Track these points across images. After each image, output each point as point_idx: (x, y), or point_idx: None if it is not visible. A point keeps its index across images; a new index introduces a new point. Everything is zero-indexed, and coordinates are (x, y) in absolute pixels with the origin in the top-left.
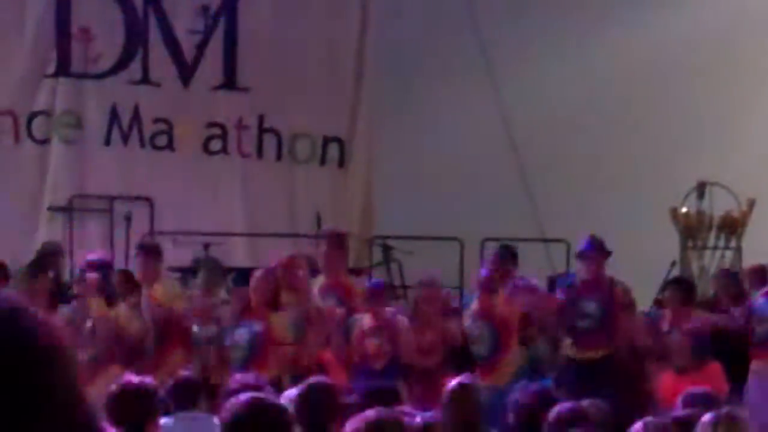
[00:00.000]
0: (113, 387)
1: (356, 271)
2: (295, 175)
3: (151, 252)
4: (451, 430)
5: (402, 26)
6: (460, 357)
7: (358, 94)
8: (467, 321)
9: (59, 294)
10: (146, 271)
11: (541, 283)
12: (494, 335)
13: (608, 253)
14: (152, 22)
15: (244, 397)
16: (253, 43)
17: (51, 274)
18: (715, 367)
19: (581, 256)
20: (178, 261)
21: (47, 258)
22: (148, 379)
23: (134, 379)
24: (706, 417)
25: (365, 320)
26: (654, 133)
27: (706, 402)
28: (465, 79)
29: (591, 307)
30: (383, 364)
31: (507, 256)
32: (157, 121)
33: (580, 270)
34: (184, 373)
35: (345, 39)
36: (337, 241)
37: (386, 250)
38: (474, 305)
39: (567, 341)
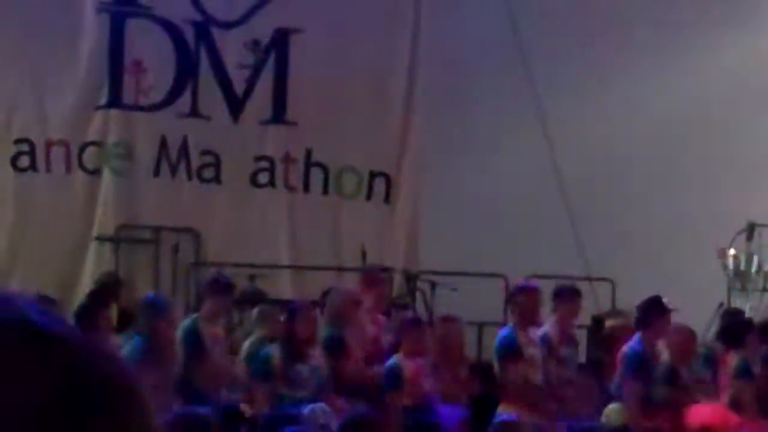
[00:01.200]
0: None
1: (399, 306)
2: (341, 209)
3: (227, 289)
4: None
5: (451, 63)
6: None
7: (406, 130)
8: None
9: (125, 323)
10: (219, 308)
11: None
12: None
13: None
14: (203, 55)
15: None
16: (302, 78)
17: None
18: None
19: None
20: None
21: (108, 289)
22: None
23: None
24: None
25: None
26: (704, 174)
27: None
28: (513, 116)
29: None
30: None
31: None
32: (205, 153)
33: None
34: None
35: (394, 75)
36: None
37: (431, 286)
38: None
39: None
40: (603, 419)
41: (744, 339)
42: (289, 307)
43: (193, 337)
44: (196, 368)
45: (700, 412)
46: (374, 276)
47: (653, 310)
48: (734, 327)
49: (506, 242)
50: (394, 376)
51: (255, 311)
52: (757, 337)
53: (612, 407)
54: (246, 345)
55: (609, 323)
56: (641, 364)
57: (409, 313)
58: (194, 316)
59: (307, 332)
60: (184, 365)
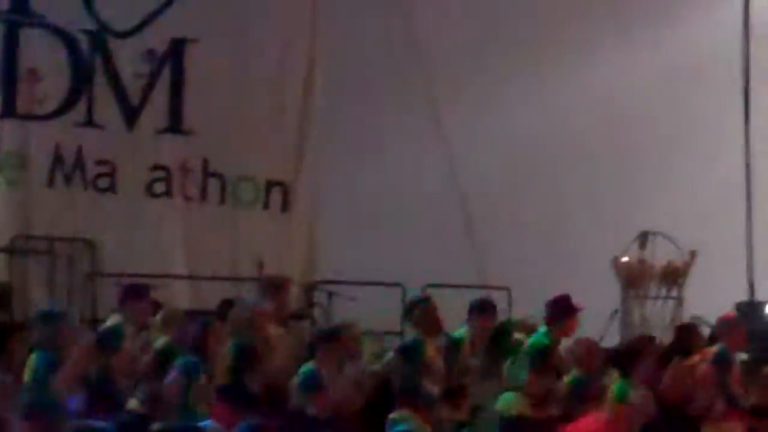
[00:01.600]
0: None
1: (298, 316)
2: (238, 219)
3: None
4: None
5: (348, 70)
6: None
7: (303, 139)
8: None
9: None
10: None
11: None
12: None
13: None
14: (98, 64)
15: None
16: (198, 87)
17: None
18: None
19: None
20: None
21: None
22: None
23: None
24: None
25: None
26: (598, 182)
27: None
28: (411, 125)
29: None
30: None
31: None
32: (100, 163)
33: None
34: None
35: (291, 83)
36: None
37: (329, 296)
38: None
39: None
40: (498, 407)
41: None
42: (199, 322)
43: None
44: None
45: (580, 422)
46: (276, 285)
47: (563, 308)
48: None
49: (403, 251)
50: (312, 382)
51: (158, 317)
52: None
53: (506, 396)
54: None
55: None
56: (545, 357)
57: (308, 324)
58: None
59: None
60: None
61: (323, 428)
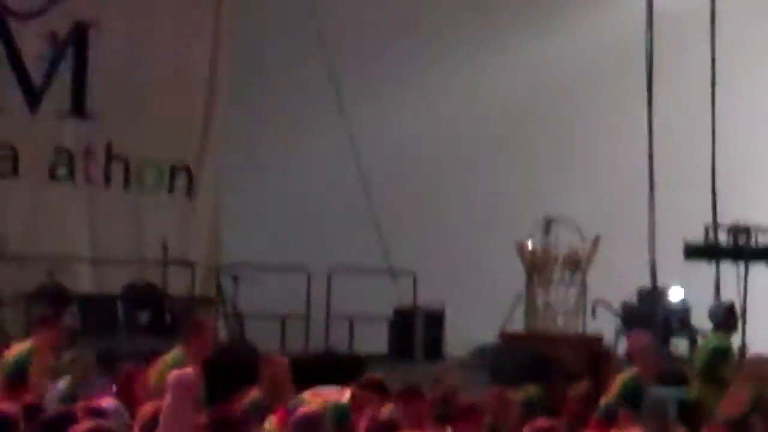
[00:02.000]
0: None
1: (203, 301)
2: (142, 203)
3: None
4: None
5: (253, 56)
6: None
7: (207, 124)
8: None
9: None
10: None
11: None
12: None
13: None
14: None
15: (86, 424)
16: (102, 71)
17: None
18: None
19: None
20: (21, 287)
21: None
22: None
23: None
24: None
25: None
26: (503, 169)
27: None
28: (315, 110)
29: None
30: None
31: None
32: (1, 146)
33: None
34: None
35: (195, 69)
36: None
37: (234, 280)
38: None
39: None
40: None
41: None
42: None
43: None
44: None
45: None
46: None
47: None
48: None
49: (308, 236)
50: None
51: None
52: None
53: None
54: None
55: None
56: None
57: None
58: None
59: None
60: None
61: None
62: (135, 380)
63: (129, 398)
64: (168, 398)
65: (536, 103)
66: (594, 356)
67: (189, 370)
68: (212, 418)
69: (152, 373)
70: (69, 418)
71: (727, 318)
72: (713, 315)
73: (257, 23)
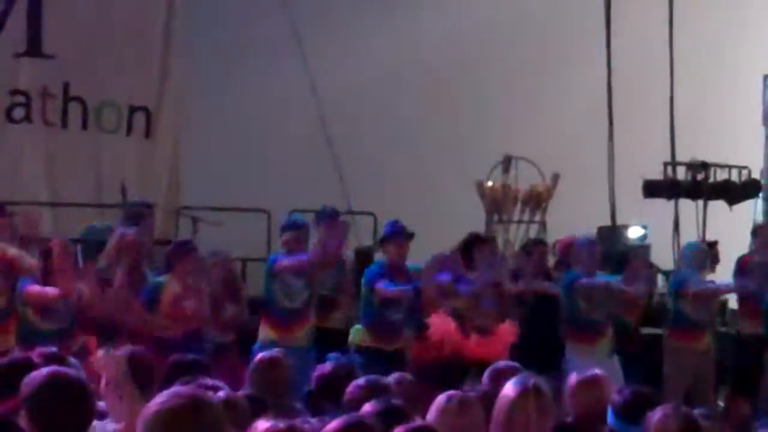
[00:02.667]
0: None
1: (162, 243)
2: (101, 145)
3: None
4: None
5: None
6: None
7: (166, 64)
8: None
9: None
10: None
11: (349, 256)
12: None
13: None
14: None
15: (45, 370)
16: (58, 9)
17: None
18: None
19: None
20: None
21: None
22: None
23: None
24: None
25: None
26: (461, 107)
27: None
28: (273, 50)
29: None
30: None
31: None
32: None
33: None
34: None
35: (153, 7)
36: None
37: (193, 222)
38: None
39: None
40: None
41: None
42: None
43: None
44: None
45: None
46: (139, 212)
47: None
48: None
49: (269, 177)
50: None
51: None
52: None
53: (356, 327)
54: None
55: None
56: None
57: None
58: None
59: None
60: None
61: None
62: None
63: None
64: None
65: (494, 41)
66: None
67: None
68: None
69: None
70: (26, 365)
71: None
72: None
73: None
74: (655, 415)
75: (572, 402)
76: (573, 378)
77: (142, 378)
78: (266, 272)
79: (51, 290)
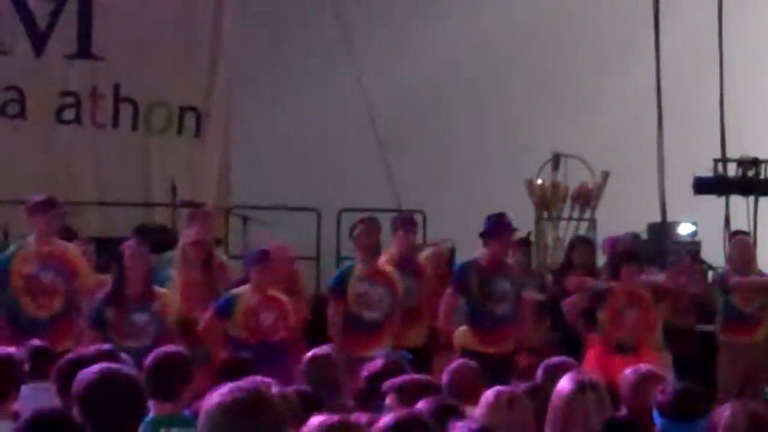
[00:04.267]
0: None
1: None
2: (151, 145)
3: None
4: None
5: None
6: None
7: (216, 64)
8: None
9: None
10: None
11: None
12: None
13: None
14: None
15: (96, 367)
16: (108, 11)
17: None
18: None
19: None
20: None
21: None
22: (12, 349)
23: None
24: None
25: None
26: (511, 106)
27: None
28: (324, 50)
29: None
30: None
31: None
32: (8, 89)
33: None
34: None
35: (201, 6)
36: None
37: (244, 221)
38: None
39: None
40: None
41: None
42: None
43: None
44: None
45: None
46: (201, 213)
47: (498, 225)
48: None
49: (319, 176)
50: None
51: None
52: None
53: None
54: None
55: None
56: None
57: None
58: None
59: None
60: None
61: None
62: None
63: None
64: None
65: (543, 38)
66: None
67: None
68: None
69: None
70: (83, 361)
71: None
72: None
73: None
74: (723, 412)
75: (628, 396)
76: (629, 372)
77: None
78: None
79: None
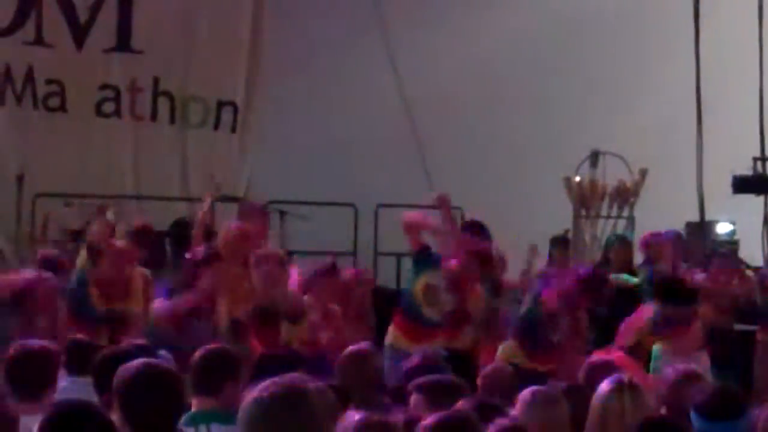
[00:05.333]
0: (12, 350)
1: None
2: (187, 139)
3: None
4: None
5: None
6: None
7: (255, 59)
8: None
9: None
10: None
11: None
12: None
13: None
14: None
15: (137, 362)
16: (147, 5)
17: None
18: None
19: None
20: (69, 224)
21: None
22: (48, 342)
23: (35, 342)
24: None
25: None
26: (549, 103)
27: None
28: (361, 46)
29: None
30: None
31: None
32: (50, 82)
33: None
34: (79, 336)
35: (243, 3)
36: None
37: (281, 215)
38: None
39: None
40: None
41: None
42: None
43: None
44: None
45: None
46: (255, 209)
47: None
48: None
49: (356, 171)
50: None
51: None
52: None
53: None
54: None
55: None
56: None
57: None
58: None
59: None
60: None
61: None
62: None
63: None
64: None
65: (582, 35)
66: None
67: None
68: None
69: None
70: (120, 356)
71: None
72: None
73: None
74: (762, 413)
75: (667, 395)
76: (669, 371)
77: None
78: None
79: None
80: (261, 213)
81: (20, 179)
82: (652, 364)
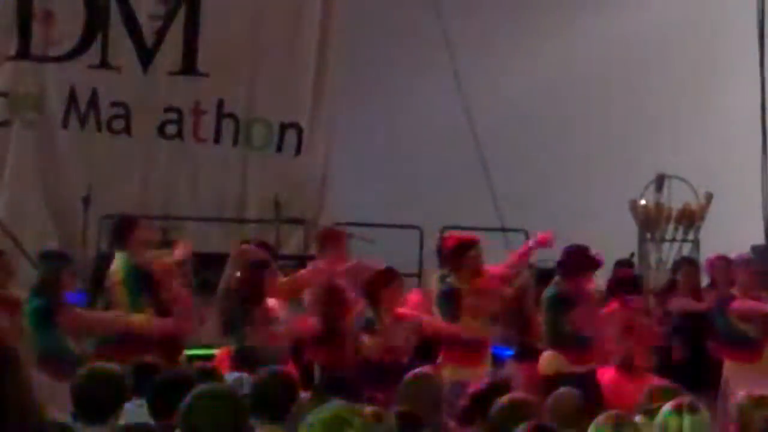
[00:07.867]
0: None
1: (311, 258)
2: (248, 161)
3: None
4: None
5: (365, 15)
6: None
7: (320, 81)
8: None
9: None
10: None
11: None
12: None
13: None
14: (113, 6)
15: (199, 387)
16: (213, 29)
17: None
18: None
19: None
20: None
21: None
22: (115, 365)
23: (104, 364)
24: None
25: None
26: (614, 126)
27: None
28: (427, 69)
29: None
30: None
31: None
32: (114, 105)
33: None
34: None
35: (307, 23)
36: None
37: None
38: None
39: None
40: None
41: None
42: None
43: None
44: None
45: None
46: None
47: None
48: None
49: (421, 193)
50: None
51: None
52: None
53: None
54: None
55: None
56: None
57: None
58: None
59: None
60: None
61: None
62: None
63: None
64: None
65: (647, 58)
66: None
67: None
68: None
69: None
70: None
71: None
72: None
73: None
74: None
75: (740, 419)
76: (742, 395)
77: None
78: None
79: None
80: (340, 237)
81: (86, 201)
82: None
